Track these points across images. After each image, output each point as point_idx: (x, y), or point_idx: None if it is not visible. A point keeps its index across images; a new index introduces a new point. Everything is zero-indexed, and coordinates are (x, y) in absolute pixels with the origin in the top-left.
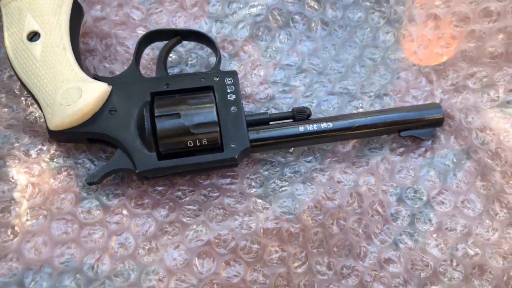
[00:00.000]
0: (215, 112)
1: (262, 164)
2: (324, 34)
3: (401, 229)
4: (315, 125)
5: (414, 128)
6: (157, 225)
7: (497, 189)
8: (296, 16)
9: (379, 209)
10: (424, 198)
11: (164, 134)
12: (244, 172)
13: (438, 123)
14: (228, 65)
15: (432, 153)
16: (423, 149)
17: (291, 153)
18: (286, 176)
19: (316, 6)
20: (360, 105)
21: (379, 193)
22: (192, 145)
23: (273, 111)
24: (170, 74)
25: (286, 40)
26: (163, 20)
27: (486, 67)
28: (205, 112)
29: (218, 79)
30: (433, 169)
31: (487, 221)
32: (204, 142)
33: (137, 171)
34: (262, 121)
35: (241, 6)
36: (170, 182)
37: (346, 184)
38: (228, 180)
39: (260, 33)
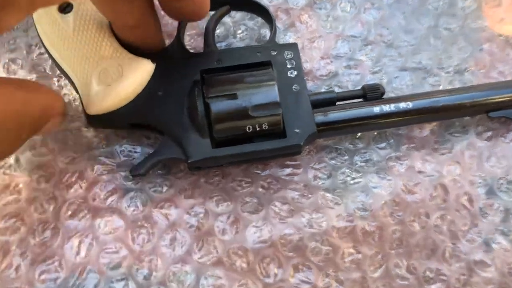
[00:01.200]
0: (277, 91)
1: (327, 152)
2: (392, 0)
3: (493, 226)
4: (392, 105)
5: (506, 108)
6: (212, 218)
7: None
8: None
9: (466, 204)
10: None
11: (220, 118)
12: (307, 161)
13: None
14: (282, 38)
15: None
16: None
17: (359, 138)
18: (357, 165)
19: None
20: (437, 82)
21: (465, 185)
22: (251, 130)
23: (337, 90)
24: (219, 48)
25: (349, 8)
26: None
27: None
28: (265, 92)
29: (276, 53)
30: None
31: None
32: (265, 127)
33: (189, 161)
34: (328, 101)
35: None
36: (222, 172)
37: (428, 174)
38: (289, 170)
39: (318, 0)
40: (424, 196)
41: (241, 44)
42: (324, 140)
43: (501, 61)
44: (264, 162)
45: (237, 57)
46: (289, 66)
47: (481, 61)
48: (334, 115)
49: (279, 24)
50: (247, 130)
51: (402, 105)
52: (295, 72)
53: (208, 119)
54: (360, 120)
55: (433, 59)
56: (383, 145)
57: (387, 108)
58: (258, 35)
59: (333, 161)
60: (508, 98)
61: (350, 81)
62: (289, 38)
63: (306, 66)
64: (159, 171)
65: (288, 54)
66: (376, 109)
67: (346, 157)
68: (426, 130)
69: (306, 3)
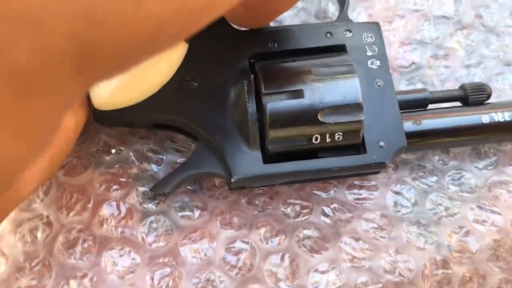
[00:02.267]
0: (359, 88)
1: (409, 169)
2: None
3: None
4: (506, 113)
5: None
6: (261, 257)
7: None
8: None
9: None
10: None
11: (278, 123)
12: (384, 182)
13: None
14: (350, 15)
15: None
16: None
17: (449, 152)
18: (450, 189)
19: None
20: None
21: None
22: (318, 141)
23: (418, 86)
24: (275, 26)
25: None
26: None
27: None
28: (343, 88)
29: (351, 34)
30: None
31: None
32: (338, 137)
33: (232, 180)
34: (418, 104)
35: None
36: (270, 190)
37: None
38: (361, 193)
39: None
40: None
41: (294, 22)
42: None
43: None
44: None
45: (299, 38)
46: (369, 53)
47: None
48: (428, 122)
49: None
50: (314, 141)
51: None
52: (378, 62)
53: (261, 124)
54: (464, 131)
55: None
56: (482, 163)
57: (500, 116)
58: (318, 8)
59: (417, 182)
60: None
61: (437, 76)
62: (358, 17)
63: None
64: (188, 187)
65: (368, 37)
66: (486, 118)
67: (434, 178)
68: None
69: None
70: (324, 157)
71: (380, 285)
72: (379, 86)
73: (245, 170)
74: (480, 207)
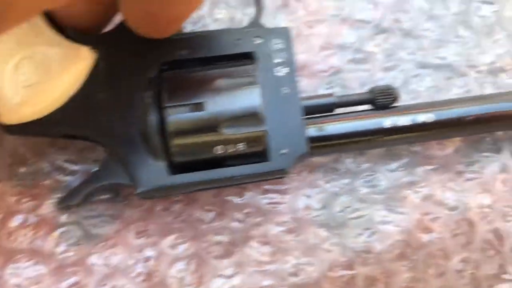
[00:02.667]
0: (259, 99)
1: (323, 172)
2: None
3: None
4: (409, 117)
5: None
6: (167, 264)
7: None
8: None
9: (496, 243)
10: None
11: (178, 135)
12: (297, 185)
13: None
14: (271, 21)
15: None
16: None
17: (363, 154)
18: (361, 192)
19: None
20: (465, 84)
21: (496, 219)
22: (221, 152)
23: (338, 92)
24: (186, 32)
25: None
26: None
27: None
28: (244, 99)
29: (261, 41)
30: None
31: None
32: (241, 147)
33: (137, 191)
34: (325, 108)
35: None
36: (187, 196)
37: (449, 206)
38: (273, 197)
39: None
40: (444, 235)
41: (219, 27)
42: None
43: None
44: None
45: (210, 45)
46: (277, 60)
47: None
48: (331, 127)
49: (268, 2)
50: (216, 151)
51: (422, 118)
52: (285, 70)
53: (164, 136)
54: (366, 136)
55: (461, 55)
56: (394, 165)
57: (403, 120)
58: (241, 16)
59: (328, 185)
60: None
61: (356, 80)
62: (280, 21)
63: (301, 58)
64: (103, 196)
65: (277, 44)
66: (387, 122)
67: (346, 181)
68: (449, 148)
69: None
70: (230, 165)
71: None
72: (285, 93)
73: (150, 181)
74: (387, 209)
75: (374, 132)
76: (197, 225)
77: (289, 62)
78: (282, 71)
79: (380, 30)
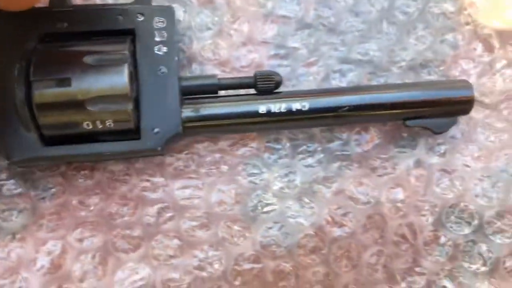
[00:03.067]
0: (126, 78)
1: (242, 167)
2: None
3: (439, 266)
4: (283, 105)
5: (427, 117)
6: (72, 257)
7: None
8: None
9: (409, 236)
10: (475, 222)
11: (45, 109)
12: (214, 180)
13: (463, 110)
14: (197, 16)
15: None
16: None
17: (281, 149)
18: (275, 187)
19: None
20: (386, 80)
21: (409, 214)
22: (90, 127)
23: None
24: (72, 5)
25: None
26: None
27: None
28: (111, 78)
29: (143, 18)
30: (491, 179)
31: None
32: (109, 124)
33: (10, 160)
34: (206, 89)
35: None
36: (104, 191)
37: (362, 201)
38: (188, 192)
39: None
40: (356, 228)
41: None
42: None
43: (465, 57)
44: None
45: (91, 20)
46: (157, 39)
47: (441, 55)
48: (208, 109)
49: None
50: (86, 126)
51: (296, 106)
52: (165, 49)
53: (31, 109)
54: (240, 119)
55: (383, 50)
56: (310, 160)
57: (276, 107)
58: None
59: (246, 181)
60: (428, 101)
61: None
62: (204, 16)
63: (223, 53)
64: (17, 190)
65: (159, 22)
66: (262, 108)
67: (263, 176)
68: (368, 144)
69: None
70: (104, 140)
71: (189, 280)
72: (162, 73)
73: (22, 151)
74: (299, 202)
75: (248, 116)
76: (110, 219)
77: (170, 42)
78: (161, 50)
79: (303, 25)
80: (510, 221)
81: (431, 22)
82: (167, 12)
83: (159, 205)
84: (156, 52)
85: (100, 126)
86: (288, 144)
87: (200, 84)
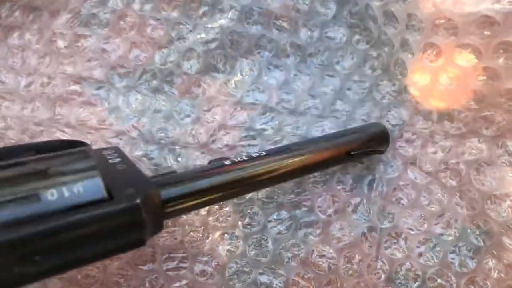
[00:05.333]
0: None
1: (224, 237)
2: (297, 60)
3: None
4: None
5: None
6: None
7: None
8: (262, 40)
9: None
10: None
11: None
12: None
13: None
14: (177, 105)
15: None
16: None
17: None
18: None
19: (286, 26)
20: None
21: (364, 273)
22: None
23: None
24: None
25: (249, 71)
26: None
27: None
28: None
29: None
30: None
31: None
32: None
33: None
34: None
35: (191, 29)
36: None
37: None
38: (174, 264)
39: (216, 63)
40: None
41: None
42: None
43: (407, 130)
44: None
45: None
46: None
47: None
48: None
49: (174, 90)
50: None
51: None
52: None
53: None
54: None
55: (338, 128)
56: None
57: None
58: None
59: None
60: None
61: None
62: (184, 105)
63: (202, 138)
64: None
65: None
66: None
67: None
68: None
69: (202, 66)
70: None
71: None
72: None
73: None
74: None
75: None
76: None
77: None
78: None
79: (268, 109)
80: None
81: (378, 101)
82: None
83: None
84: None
85: None
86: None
87: None
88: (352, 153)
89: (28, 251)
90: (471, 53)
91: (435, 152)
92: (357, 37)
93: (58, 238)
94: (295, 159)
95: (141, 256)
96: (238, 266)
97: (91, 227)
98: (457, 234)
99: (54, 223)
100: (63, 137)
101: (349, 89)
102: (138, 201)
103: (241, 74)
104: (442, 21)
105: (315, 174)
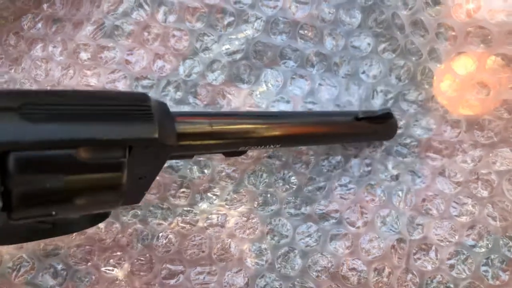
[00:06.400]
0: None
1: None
2: (322, 70)
3: None
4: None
5: None
6: None
7: None
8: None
9: None
10: None
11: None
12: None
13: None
14: None
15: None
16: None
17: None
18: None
19: (311, 35)
20: None
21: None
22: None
23: None
24: None
25: (274, 81)
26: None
27: None
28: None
29: None
30: (461, 256)
31: None
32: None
33: None
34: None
35: (216, 40)
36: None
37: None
38: (200, 271)
39: (241, 73)
40: None
41: None
42: None
43: (434, 139)
44: None
45: None
46: None
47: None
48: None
49: (197, 101)
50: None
51: None
52: None
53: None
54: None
55: None
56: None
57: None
58: None
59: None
60: None
61: None
62: None
63: None
64: None
65: None
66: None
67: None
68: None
69: (227, 77)
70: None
71: None
72: None
73: None
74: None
75: None
76: None
77: None
78: None
79: None
80: None
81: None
82: None
83: None
84: None
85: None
86: None
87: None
88: (360, 116)
89: None
90: (505, 62)
91: (464, 161)
92: (383, 46)
93: None
94: (308, 119)
95: (170, 272)
96: (267, 280)
97: None
98: (489, 246)
99: None
100: None
101: (374, 99)
102: None
103: (266, 85)
104: (475, 30)
105: (343, 187)
